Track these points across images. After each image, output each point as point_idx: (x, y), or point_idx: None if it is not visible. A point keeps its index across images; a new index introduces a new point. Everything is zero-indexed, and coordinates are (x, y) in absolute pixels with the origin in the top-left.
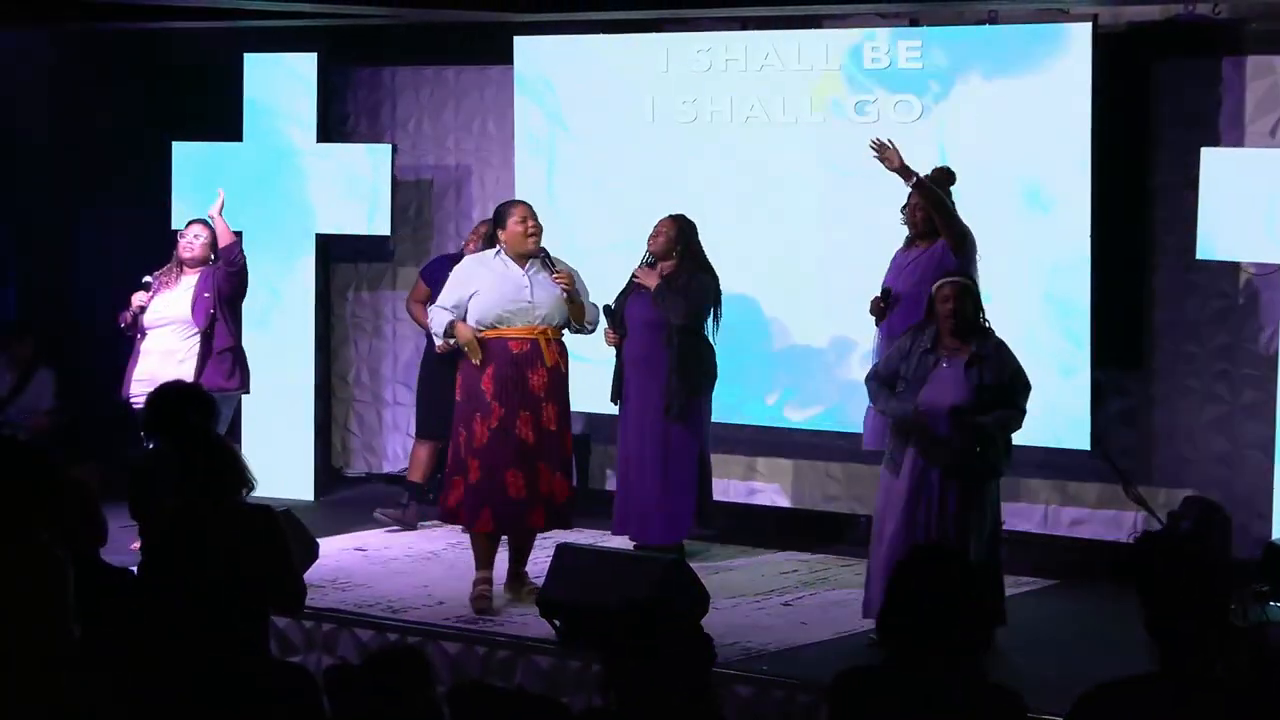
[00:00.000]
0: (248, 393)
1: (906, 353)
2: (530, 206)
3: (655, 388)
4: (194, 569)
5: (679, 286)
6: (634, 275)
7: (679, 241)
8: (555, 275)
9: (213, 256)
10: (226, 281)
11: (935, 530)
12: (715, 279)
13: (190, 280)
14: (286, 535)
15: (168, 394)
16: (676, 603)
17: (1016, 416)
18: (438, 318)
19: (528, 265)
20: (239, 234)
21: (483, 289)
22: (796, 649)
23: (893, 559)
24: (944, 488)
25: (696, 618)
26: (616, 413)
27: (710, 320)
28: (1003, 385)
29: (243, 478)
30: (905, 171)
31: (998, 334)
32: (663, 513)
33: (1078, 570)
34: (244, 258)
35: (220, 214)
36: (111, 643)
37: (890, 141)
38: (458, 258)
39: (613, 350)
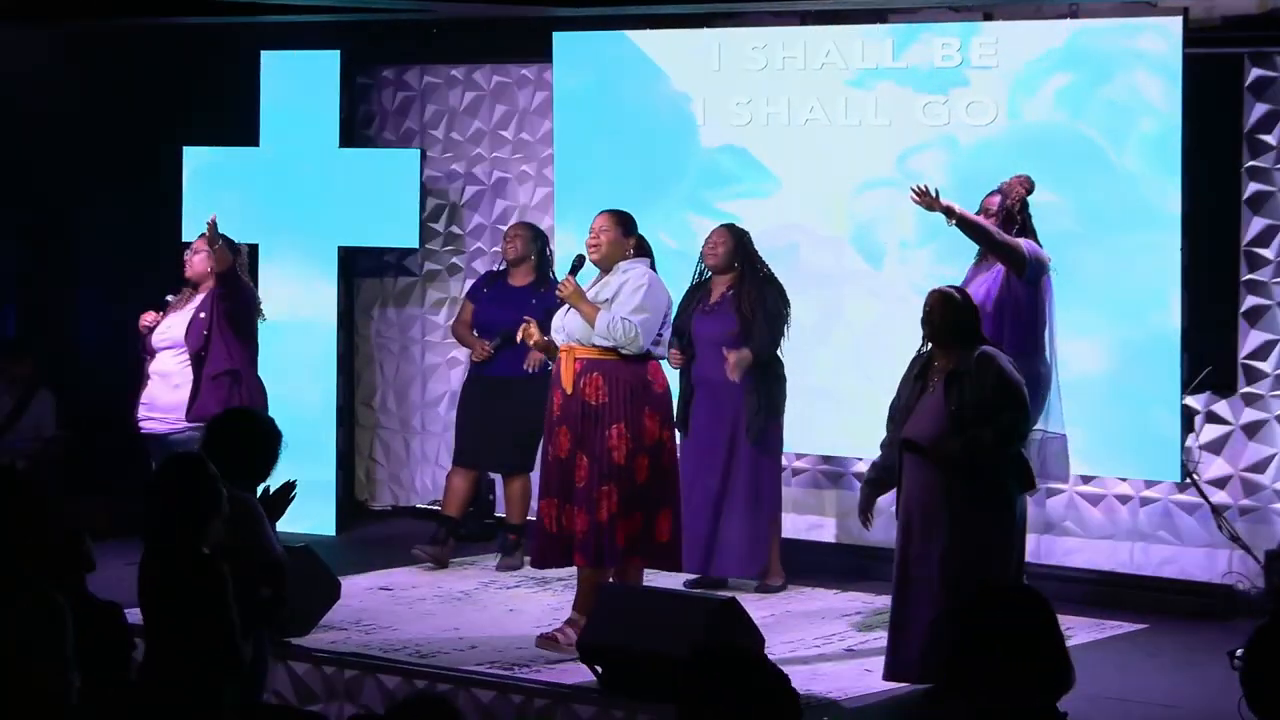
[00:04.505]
0: None
1: (902, 382)
2: (611, 217)
3: (729, 411)
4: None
5: (751, 305)
6: (698, 302)
7: (738, 253)
8: (562, 280)
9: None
10: (220, 301)
11: (932, 571)
12: (781, 287)
13: (197, 300)
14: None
15: (229, 421)
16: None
17: (989, 435)
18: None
19: (600, 278)
20: (252, 247)
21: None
22: (862, 698)
23: (897, 608)
24: (929, 525)
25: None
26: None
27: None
28: (983, 401)
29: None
30: (945, 210)
31: (990, 348)
32: (744, 544)
33: (1168, 613)
34: (239, 277)
35: (214, 242)
36: (111, 690)
37: (930, 189)
38: (499, 273)
39: None
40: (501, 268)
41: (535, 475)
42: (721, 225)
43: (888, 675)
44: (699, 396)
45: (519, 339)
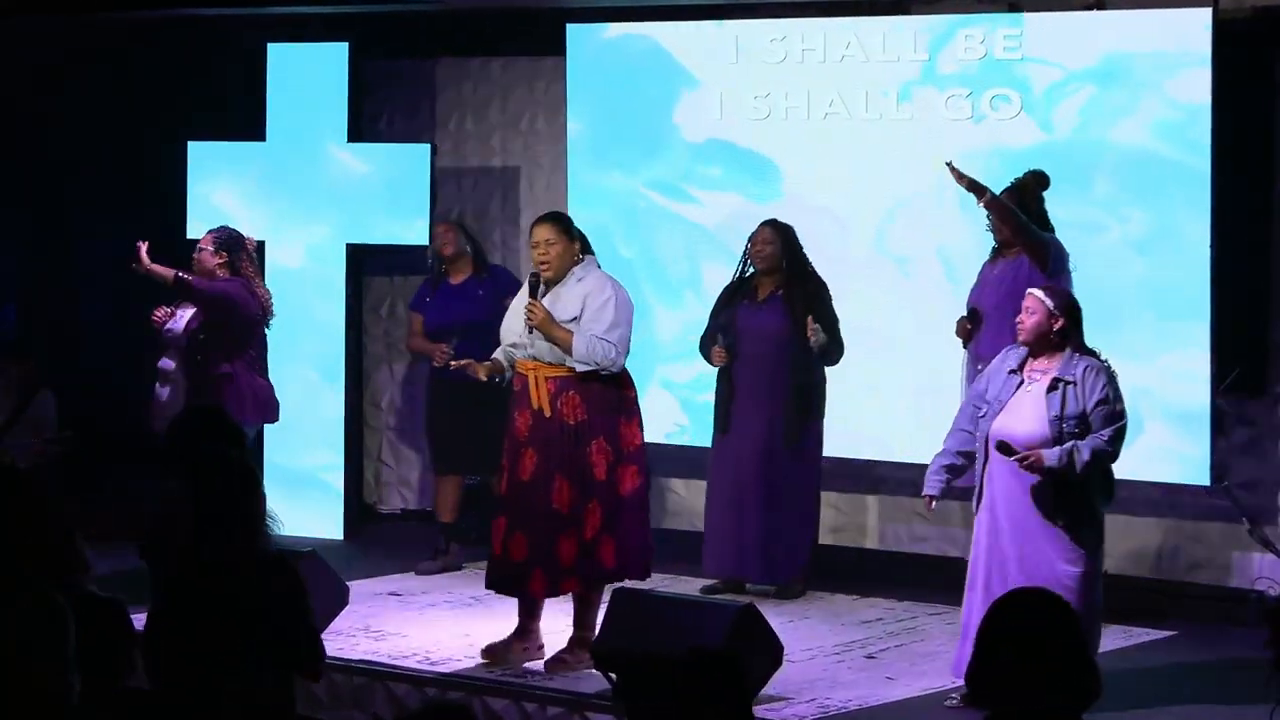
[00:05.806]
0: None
1: (995, 372)
2: (552, 225)
3: (769, 412)
4: (207, 618)
5: (809, 308)
6: (743, 298)
7: (785, 252)
8: (528, 305)
9: (221, 272)
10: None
11: (1018, 577)
12: (825, 286)
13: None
14: (305, 589)
15: (186, 419)
16: (748, 651)
17: (1085, 453)
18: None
19: (552, 289)
20: (258, 244)
21: (510, 316)
22: (881, 707)
23: (970, 610)
24: (1018, 533)
25: (767, 671)
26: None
27: None
28: (1084, 415)
29: (262, 519)
30: (976, 187)
31: (1102, 357)
32: (775, 548)
33: (1197, 619)
34: (198, 284)
35: (149, 264)
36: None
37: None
38: (436, 277)
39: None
40: (434, 270)
41: None
42: (766, 223)
43: (955, 672)
44: (740, 396)
45: (456, 368)
